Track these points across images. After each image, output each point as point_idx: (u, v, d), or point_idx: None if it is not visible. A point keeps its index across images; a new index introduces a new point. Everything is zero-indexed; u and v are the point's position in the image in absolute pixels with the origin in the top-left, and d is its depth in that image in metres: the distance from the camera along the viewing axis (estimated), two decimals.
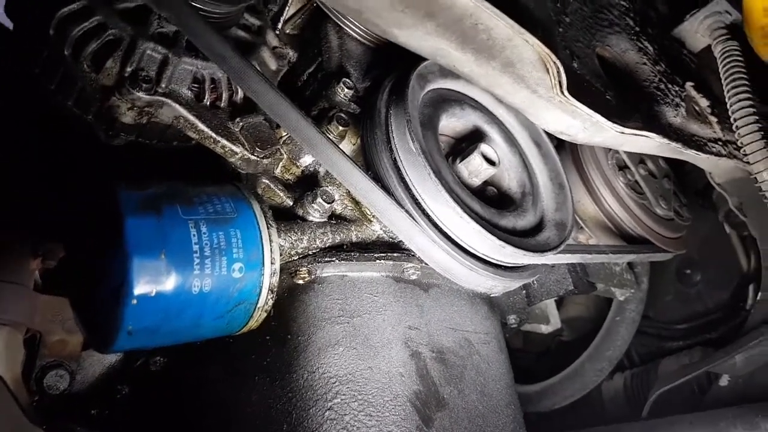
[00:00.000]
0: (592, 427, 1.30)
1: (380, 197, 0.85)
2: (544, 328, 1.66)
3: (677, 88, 0.89)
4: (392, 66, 1.04)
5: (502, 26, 0.62)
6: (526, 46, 0.64)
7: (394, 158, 0.89)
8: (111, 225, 0.68)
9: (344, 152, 0.85)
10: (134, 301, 0.66)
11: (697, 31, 1.00)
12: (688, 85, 0.91)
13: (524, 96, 0.72)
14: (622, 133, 0.73)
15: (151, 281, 0.67)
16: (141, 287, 0.66)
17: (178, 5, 0.80)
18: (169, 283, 0.68)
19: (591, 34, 0.83)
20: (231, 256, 0.75)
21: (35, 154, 1.05)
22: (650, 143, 0.80)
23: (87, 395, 1.00)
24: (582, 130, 0.78)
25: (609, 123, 0.71)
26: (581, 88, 0.69)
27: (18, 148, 1.06)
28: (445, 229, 0.88)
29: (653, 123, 0.80)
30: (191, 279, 0.70)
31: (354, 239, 0.95)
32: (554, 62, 0.64)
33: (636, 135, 0.75)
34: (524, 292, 1.21)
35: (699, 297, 1.68)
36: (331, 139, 0.87)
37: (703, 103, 0.91)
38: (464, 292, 1.01)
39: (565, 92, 0.67)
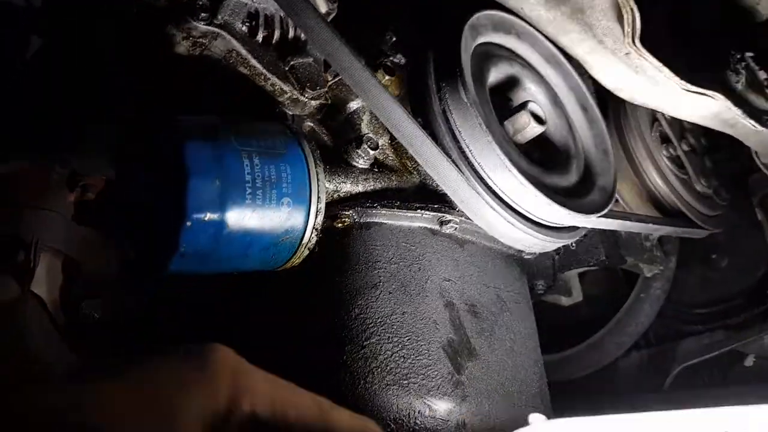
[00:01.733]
0: (614, 394, 1.31)
1: (427, 145, 0.85)
2: (565, 300, 1.66)
3: (738, 56, 0.88)
4: (442, 17, 1.03)
5: None
6: None
7: (443, 108, 0.89)
8: (169, 150, 0.68)
9: (394, 98, 0.84)
10: (189, 224, 0.66)
11: (759, 2, 0.97)
12: (747, 55, 0.90)
13: (589, 46, 0.71)
14: (687, 90, 0.72)
15: (206, 205, 0.67)
16: (196, 210, 0.67)
17: None
18: (223, 209, 0.69)
19: None
20: (281, 190, 0.75)
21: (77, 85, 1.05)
22: (710, 107, 0.79)
23: (119, 326, 1.02)
24: (642, 87, 0.77)
25: (676, 78, 0.70)
26: (651, 41, 0.67)
27: (59, 78, 1.06)
28: (490, 182, 0.88)
29: (717, 86, 0.78)
30: (243, 207, 0.71)
31: (394, 188, 0.95)
32: (631, 8, 0.63)
33: (700, 94, 0.74)
34: (555, 257, 1.21)
35: (723, 282, 1.67)
36: (382, 84, 0.86)
37: (762, 75, 0.89)
38: (498, 251, 1.01)
39: (637, 42, 0.66)
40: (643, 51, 0.66)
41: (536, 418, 0.56)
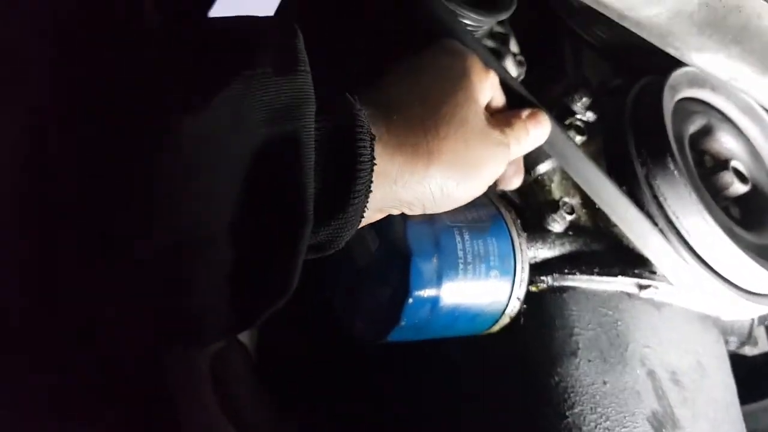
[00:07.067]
0: None
1: (632, 213, 0.84)
2: (748, 350, 1.55)
3: None
4: (633, 74, 1.02)
5: None
6: None
7: (647, 174, 0.87)
8: (391, 233, 0.73)
9: (597, 166, 0.84)
10: (410, 300, 0.71)
11: None
12: None
13: None
14: None
15: (425, 283, 0.72)
16: (417, 288, 0.71)
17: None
18: (439, 285, 0.73)
19: None
20: (488, 263, 0.78)
21: None
22: None
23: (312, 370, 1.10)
24: None
25: None
26: None
27: None
28: (699, 251, 0.85)
29: None
30: (456, 282, 0.75)
31: (590, 250, 0.95)
32: None
33: None
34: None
35: None
36: (580, 149, 0.86)
37: None
38: (695, 313, 0.97)
39: None
40: None
41: None
